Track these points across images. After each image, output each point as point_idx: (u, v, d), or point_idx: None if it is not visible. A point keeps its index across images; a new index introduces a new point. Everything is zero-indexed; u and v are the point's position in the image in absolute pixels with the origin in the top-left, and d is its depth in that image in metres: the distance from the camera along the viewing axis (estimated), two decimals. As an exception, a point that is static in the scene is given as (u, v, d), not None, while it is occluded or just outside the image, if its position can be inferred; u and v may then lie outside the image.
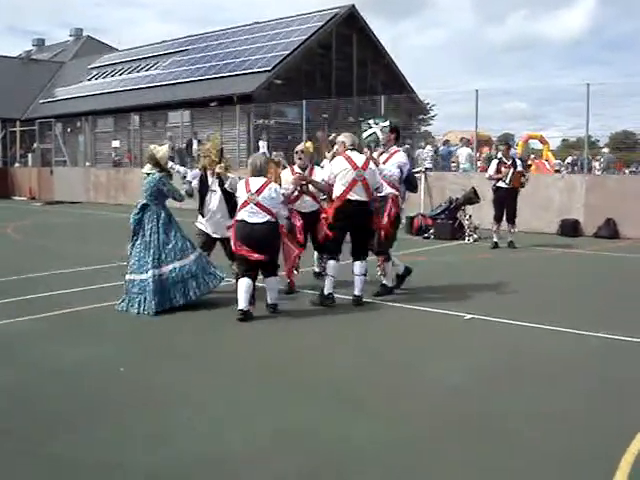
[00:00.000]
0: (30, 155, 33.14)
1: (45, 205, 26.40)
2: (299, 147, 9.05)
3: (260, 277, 7.74)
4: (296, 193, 8.55)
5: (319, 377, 5.64)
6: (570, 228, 15.72)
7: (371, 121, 8.72)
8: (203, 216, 8.61)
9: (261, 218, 7.44)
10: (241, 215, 7.52)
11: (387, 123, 8.64)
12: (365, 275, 8.27)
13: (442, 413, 4.83)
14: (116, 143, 29.25)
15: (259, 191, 7.49)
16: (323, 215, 8.18)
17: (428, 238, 15.04)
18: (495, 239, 13.57)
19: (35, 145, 32.44)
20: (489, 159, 17.77)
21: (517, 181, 13.54)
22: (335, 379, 5.57)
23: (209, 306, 8.05)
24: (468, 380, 5.57)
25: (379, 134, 8.52)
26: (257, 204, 7.44)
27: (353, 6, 30.99)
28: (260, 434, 4.47)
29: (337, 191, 8.02)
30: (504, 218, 13.62)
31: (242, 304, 7.33)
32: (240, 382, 5.50)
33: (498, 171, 13.62)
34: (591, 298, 8.94)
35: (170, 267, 7.84)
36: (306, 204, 8.75)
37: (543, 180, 17.02)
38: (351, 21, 31.07)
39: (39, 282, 9.51)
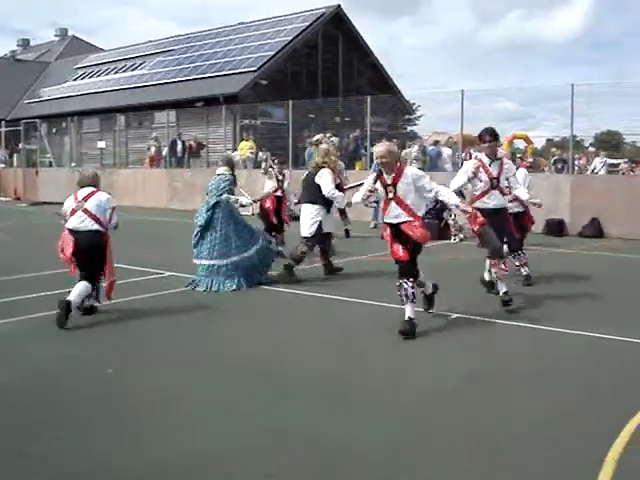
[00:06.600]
0: (15, 155, 32.93)
1: (30, 206, 26.22)
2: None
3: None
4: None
5: (304, 375, 5.63)
6: (556, 227, 15.86)
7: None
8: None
9: (89, 226, 7.44)
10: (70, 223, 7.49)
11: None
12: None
13: (433, 416, 4.85)
14: (102, 144, 29.06)
15: (86, 198, 7.54)
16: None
17: (414, 238, 14.99)
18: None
19: (20, 146, 32.25)
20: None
21: None
22: (324, 377, 5.58)
23: (203, 307, 8.09)
24: (461, 383, 5.60)
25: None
26: (84, 210, 7.46)
27: (339, 6, 31.01)
28: (245, 432, 4.46)
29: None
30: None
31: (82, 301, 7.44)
32: (225, 381, 5.50)
33: None
34: (583, 299, 8.92)
35: (244, 255, 9.14)
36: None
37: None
38: (337, 21, 31.08)
39: (24, 283, 9.44)
